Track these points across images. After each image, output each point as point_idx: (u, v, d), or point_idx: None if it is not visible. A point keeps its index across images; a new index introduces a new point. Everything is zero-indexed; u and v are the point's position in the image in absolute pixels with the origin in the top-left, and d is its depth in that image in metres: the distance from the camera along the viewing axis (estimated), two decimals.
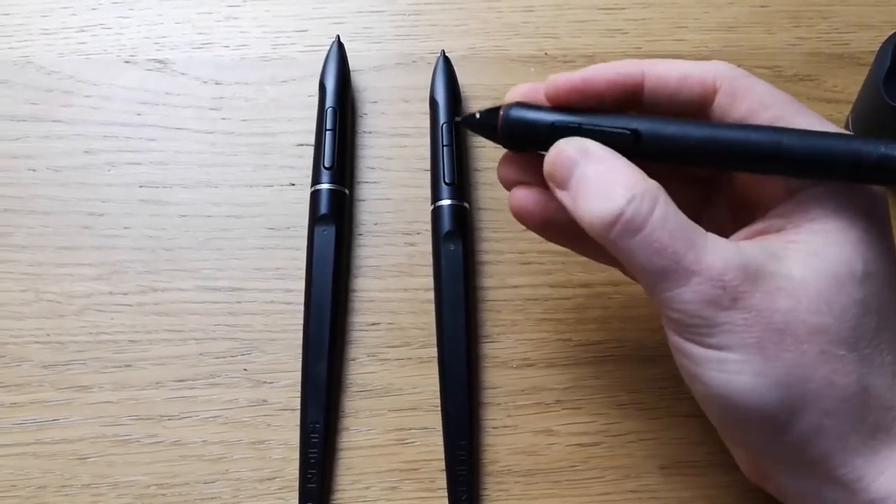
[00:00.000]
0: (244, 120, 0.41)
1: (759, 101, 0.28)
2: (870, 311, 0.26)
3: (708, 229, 0.27)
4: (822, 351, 0.26)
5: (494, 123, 0.30)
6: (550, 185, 0.29)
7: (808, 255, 0.27)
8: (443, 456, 0.36)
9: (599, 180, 0.27)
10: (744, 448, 0.30)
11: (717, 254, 0.26)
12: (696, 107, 0.29)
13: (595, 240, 0.27)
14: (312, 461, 0.35)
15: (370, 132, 0.41)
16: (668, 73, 0.29)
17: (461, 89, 0.41)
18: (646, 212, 0.26)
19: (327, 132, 0.39)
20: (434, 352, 0.37)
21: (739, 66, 0.42)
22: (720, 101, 0.28)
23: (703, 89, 0.29)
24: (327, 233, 0.38)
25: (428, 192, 0.39)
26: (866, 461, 0.26)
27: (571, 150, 0.28)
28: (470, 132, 0.40)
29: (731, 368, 0.26)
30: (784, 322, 0.26)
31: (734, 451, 0.31)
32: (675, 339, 0.27)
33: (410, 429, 0.37)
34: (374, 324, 0.38)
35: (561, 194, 0.28)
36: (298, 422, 0.36)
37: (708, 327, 0.26)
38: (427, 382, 0.37)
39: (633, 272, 0.28)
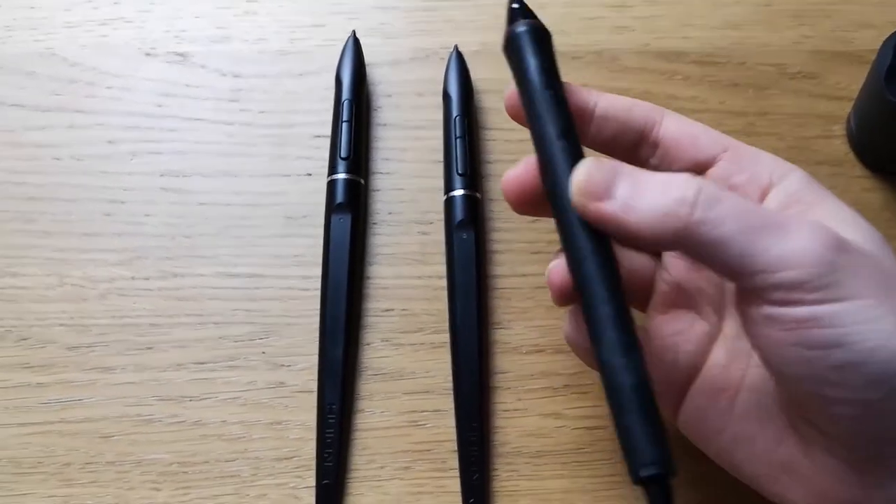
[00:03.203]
0: (262, 112, 0.42)
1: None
2: None
3: None
4: None
5: None
6: (583, 204, 0.27)
7: (843, 224, 0.27)
8: (455, 437, 0.37)
9: (655, 178, 0.26)
10: (866, 441, 0.27)
11: (801, 217, 0.26)
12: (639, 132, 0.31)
13: (660, 240, 0.26)
14: (329, 441, 0.36)
15: (385, 124, 0.42)
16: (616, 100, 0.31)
17: (474, 84, 0.42)
18: (714, 184, 0.26)
19: (343, 124, 0.40)
20: (446, 337, 0.38)
21: (744, 63, 0.43)
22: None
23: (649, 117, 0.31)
24: (343, 221, 0.39)
25: (441, 182, 0.40)
26: None
27: (607, 164, 0.27)
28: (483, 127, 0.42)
29: (873, 314, 0.24)
30: (881, 268, 0.26)
31: (816, 487, 0.28)
32: (798, 312, 0.25)
33: (423, 411, 0.38)
34: (388, 310, 0.39)
35: (603, 205, 0.26)
36: (315, 403, 0.37)
37: (835, 273, 0.24)
38: (439, 367, 0.38)
39: (720, 247, 0.25)
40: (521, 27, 0.29)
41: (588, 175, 0.27)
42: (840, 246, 0.25)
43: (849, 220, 0.28)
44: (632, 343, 0.26)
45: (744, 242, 0.25)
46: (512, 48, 0.30)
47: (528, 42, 0.29)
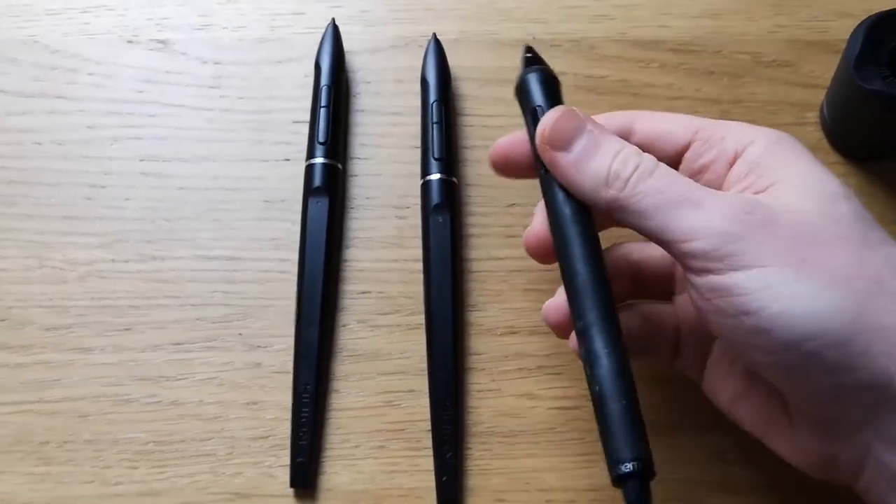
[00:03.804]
0: (242, 98, 0.43)
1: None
2: (866, 224, 0.28)
3: None
4: (851, 254, 0.27)
5: None
6: (544, 148, 0.30)
7: (794, 187, 0.29)
8: (429, 417, 0.37)
9: (609, 145, 0.30)
10: (808, 400, 0.28)
11: (723, 193, 0.29)
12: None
13: (596, 202, 0.29)
14: (304, 420, 0.37)
15: (363, 111, 0.43)
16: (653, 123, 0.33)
17: (452, 71, 0.42)
18: (652, 160, 0.29)
19: (322, 109, 0.40)
20: (422, 319, 0.39)
21: (720, 52, 0.44)
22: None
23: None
24: (321, 204, 0.39)
25: (418, 168, 0.41)
26: None
27: (576, 117, 0.30)
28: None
29: (777, 280, 0.26)
30: (807, 233, 0.27)
31: (798, 441, 0.30)
32: (709, 280, 0.27)
33: (398, 391, 0.38)
34: (364, 292, 0.40)
35: (559, 156, 0.30)
36: (291, 384, 0.38)
37: (738, 243, 0.27)
38: (415, 348, 0.39)
39: (643, 219, 0.28)
40: (532, 72, 0.33)
41: (555, 123, 0.30)
42: (748, 217, 0.27)
43: (798, 181, 0.29)
44: (619, 365, 0.28)
45: (661, 215, 0.28)
46: (522, 91, 0.33)
47: (538, 86, 0.32)
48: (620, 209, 0.29)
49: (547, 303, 0.34)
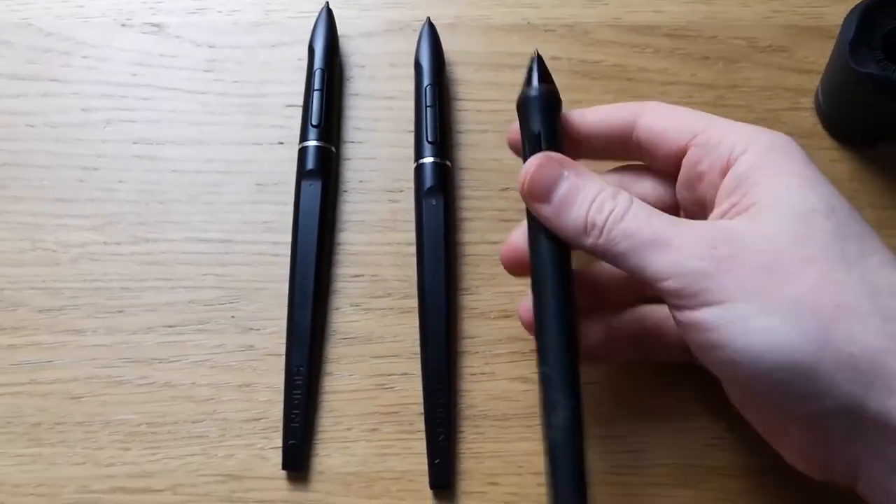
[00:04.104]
0: (236, 81, 0.43)
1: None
2: (847, 238, 0.28)
3: None
4: (818, 279, 0.27)
5: None
6: (527, 200, 0.31)
7: (770, 207, 0.29)
8: (421, 400, 0.37)
9: (587, 190, 0.30)
10: (789, 418, 0.29)
11: (693, 226, 0.29)
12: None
13: (580, 247, 0.31)
14: (296, 402, 0.37)
15: (357, 94, 0.43)
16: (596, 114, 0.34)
17: (446, 55, 0.42)
18: (626, 202, 0.29)
19: (315, 92, 0.40)
20: (415, 302, 0.39)
21: (715, 37, 0.44)
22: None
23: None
24: (314, 187, 0.39)
25: (412, 151, 0.41)
26: None
27: (553, 166, 0.31)
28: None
29: (743, 315, 0.27)
30: (771, 261, 0.27)
31: (795, 449, 0.31)
32: (685, 315, 0.28)
33: (391, 374, 0.38)
34: (357, 275, 0.40)
35: (541, 207, 0.31)
36: (284, 366, 0.38)
37: (705, 281, 0.27)
38: (408, 331, 0.39)
39: (622, 262, 0.29)
40: (534, 91, 0.33)
41: (533, 175, 0.31)
42: (714, 253, 0.28)
43: (778, 201, 0.29)
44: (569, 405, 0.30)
45: (636, 257, 0.29)
46: (522, 109, 0.33)
47: (536, 111, 0.33)
48: (601, 254, 0.30)
49: (521, 304, 0.35)
